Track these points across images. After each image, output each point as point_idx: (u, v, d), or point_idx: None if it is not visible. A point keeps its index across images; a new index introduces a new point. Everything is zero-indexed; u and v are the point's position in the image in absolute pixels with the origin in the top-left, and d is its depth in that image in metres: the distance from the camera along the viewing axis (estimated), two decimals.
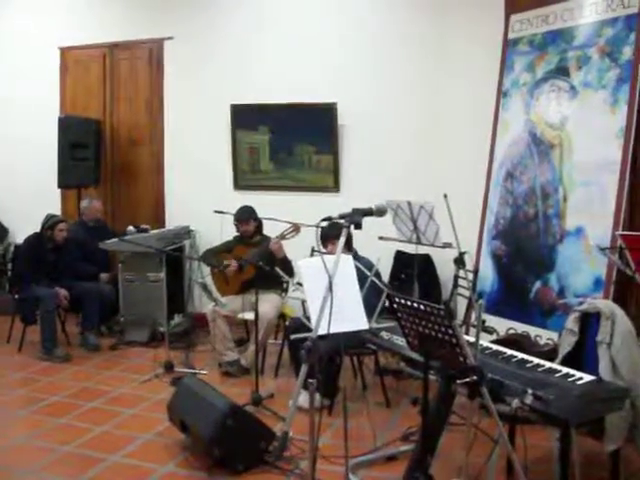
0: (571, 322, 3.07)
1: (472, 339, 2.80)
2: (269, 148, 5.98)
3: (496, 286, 4.76)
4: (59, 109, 6.64)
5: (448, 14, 5.36)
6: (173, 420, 3.65)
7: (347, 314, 3.00)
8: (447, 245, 4.23)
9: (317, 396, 3.38)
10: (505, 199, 4.77)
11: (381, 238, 4.54)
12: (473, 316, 4.29)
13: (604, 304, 2.99)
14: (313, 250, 4.89)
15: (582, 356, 2.99)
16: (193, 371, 4.63)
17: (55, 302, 5.18)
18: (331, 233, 4.02)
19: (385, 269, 5.17)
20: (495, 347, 3.01)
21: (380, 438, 3.59)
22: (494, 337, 4.09)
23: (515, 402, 2.42)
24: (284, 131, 5.86)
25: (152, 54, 6.37)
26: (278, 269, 4.39)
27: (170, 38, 6.26)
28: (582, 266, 4.11)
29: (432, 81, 5.45)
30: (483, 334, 3.61)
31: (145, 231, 5.89)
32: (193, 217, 6.10)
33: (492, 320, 4.51)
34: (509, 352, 2.92)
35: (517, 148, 4.72)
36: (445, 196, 4.06)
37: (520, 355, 2.87)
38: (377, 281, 3.80)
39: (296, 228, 4.70)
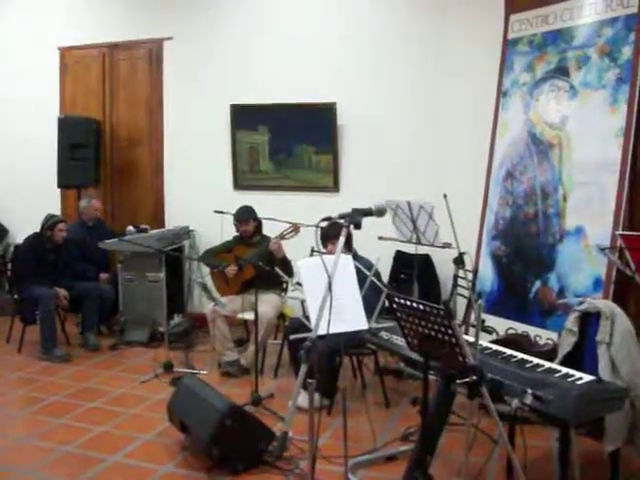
0: (571, 322, 3.08)
1: (472, 339, 2.80)
2: (269, 148, 5.98)
3: (496, 286, 4.76)
4: (59, 109, 6.64)
5: (448, 14, 5.36)
6: (173, 420, 3.65)
7: (347, 314, 3.00)
8: (447, 245, 4.23)
9: (316, 396, 3.41)
10: (505, 199, 4.77)
11: (381, 238, 4.54)
12: (473, 316, 4.28)
13: (604, 304, 2.99)
14: (313, 250, 4.90)
15: (582, 356, 2.99)
16: (193, 371, 4.63)
17: (55, 302, 5.18)
18: (331, 233, 4.02)
19: (385, 269, 5.16)
20: (495, 347, 3.01)
21: (380, 438, 3.59)
22: (494, 337, 4.10)
23: (515, 402, 2.43)
24: (284, 131, 5.86)
25: (152, 54, 6.37)
26: (278, 269, 4.38)
27: (170, 38, 6.26)
28: (582, 266, 4.11)
29: (432, 81, 5.44)
30: (483, 334, 3.62)
31: (145, 231, 5.89)
32: (193, 217, 6.09)
33: (492, 320, 4.51)
34: (509, 352, 2.91)
35: (517, 148, 4.72)
36: (445, 196, 4.06)
37: (520, 355, 2.86)
38: (377, 281, 3.80)
39: (296, 228, 4.69)
